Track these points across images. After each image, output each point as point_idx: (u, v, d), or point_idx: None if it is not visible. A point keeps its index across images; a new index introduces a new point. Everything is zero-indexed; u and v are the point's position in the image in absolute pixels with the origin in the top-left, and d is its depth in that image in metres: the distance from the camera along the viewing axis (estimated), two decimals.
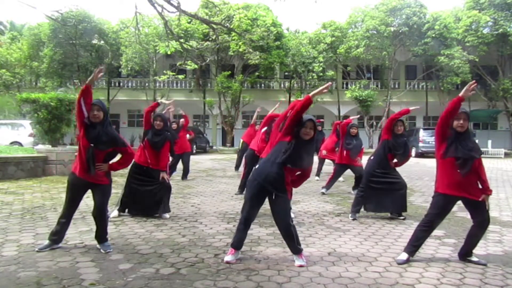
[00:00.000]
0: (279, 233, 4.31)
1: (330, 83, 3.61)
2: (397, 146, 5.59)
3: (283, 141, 3.63)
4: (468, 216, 5.87)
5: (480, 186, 3.71)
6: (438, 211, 3.78)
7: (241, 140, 10.69)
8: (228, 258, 3.69)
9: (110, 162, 4.02)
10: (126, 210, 5.61)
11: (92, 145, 3.80)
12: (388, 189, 5.59)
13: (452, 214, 5.78)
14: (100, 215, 4.01)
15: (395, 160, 5.72)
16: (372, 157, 5.83)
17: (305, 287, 3.16)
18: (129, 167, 5.62)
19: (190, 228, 4.96)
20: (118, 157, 4.12)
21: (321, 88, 3.74)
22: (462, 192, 3.66)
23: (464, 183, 3.64)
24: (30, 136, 15.08)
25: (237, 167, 11.72)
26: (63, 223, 4.01)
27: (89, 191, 4.04)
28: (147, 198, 5.48)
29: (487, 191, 3.69)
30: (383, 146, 5.65)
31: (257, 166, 3.82)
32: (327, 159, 9.84)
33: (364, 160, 6.96)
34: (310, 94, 3.62)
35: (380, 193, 5.60)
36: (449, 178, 3.68)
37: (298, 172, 3.75)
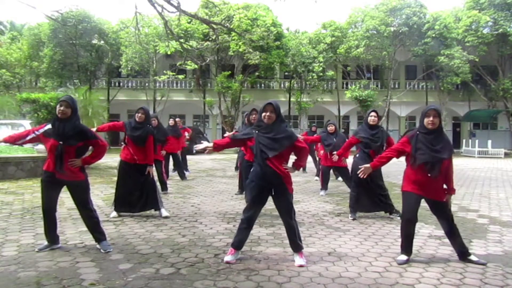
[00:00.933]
0: (279, 233, 4.31)
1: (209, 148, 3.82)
2: (373, 139, 5.48)
3: (252, 145, 3.76)
4: (468, 216, 5.91)
5: (445, 186, 3.79)
6: (407, 205, 3.84)
7: None
8: (228, 258, 3.69)
9: (83, 156, 3.98)
10: (122, 209, 5.61)
11: (61, 142, 3.78)
12: (375, 188, 5.58)
13: None
14: (85, 212, 4.00)
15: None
16: (357, 155, 5.71)
17: (305, 287, 3.16)
18: (118, 166, 5.64)
19: (190, 228, 4.96)
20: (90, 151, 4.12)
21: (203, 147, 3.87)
22: (427, 193, 3.75)
23: (430, 185, 3.70)
24: None
25: (237, 167, 11.78)
26: (49, 223, 3.97)
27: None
28: (136, 196, 5.49)
29: (451, 191, 3.79)
30: (359, 148, 5.61)
31: (252, 169, 3.85)
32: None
33: (350, 160, 6.95)
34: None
35: (370, 192, 5.58)
36: (416, 179, 3.74)
37: (292, 153, 3.79)
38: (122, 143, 5.65)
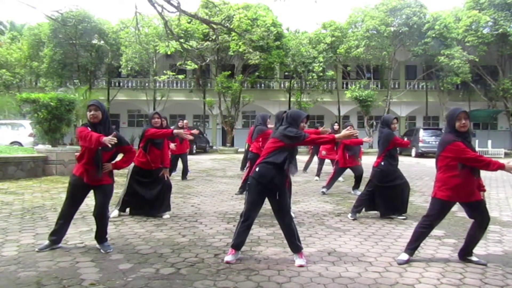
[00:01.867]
0: (279, 233, 4.29)
1: (357, 132, 3.76)
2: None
3: (284, 146, 3.67)
4: None
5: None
6: (438, 212, 3.77)
7: (247, 144, 10.71)
8: (228, 258, 3.69)
9: (113, 161, 4.02)
10: (127, 210, 5.62)
11: (99, 148, 3.78)
12: (394, 193, 5.57)
13: (452, 214, 5.78)
14: (101, 215, 4.00)
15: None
16: (383, 163, 5.62)
17: (305, 287, 3.16)
18: (130, 168, 5.65)
19: (190, 228, 4.96)
20: (120, 156, 4.14)
21: (348, 133, 3.79)
22: (466, 197, 3.65)
23: (470, 187, 3.63)
24: (30, 136, 15.08)
25: (242, 168, 11.78)
26: (62, 224, 4.00)
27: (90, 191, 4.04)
28: (150, 200, 5.51)
29: (482, 187, 3.73)
30: (384, 156, 5.63)
31: (256, 170, 3.74)
32: (327, 159, 9.88)
33: (365, 161, 6.96)
34: (337, 137, 3.75)
35: (385, 197, 5.59)
36: (458, 184, 3.61)
37: None
38: (142, 149, 5.55)
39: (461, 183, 3.60)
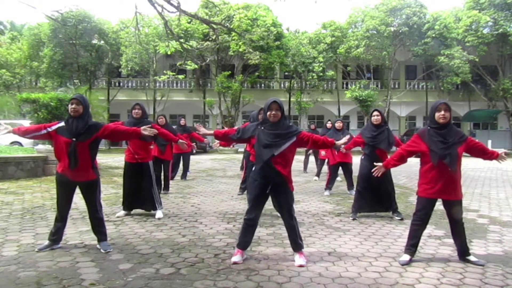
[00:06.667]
0: (279, 233, 4.29)
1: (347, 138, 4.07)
2: (375, 139, 5.47)
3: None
4: (468, 216, 5.90)
5: (490, 156, 3.79)
6: (423, 210, 3.81)
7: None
8: (235, 258, 3.66)
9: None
10: (127, 208, 5.64)
11: (74, 139, 3.80)
12: (382, 189, 5.55)
13: None
14: (92, 210, 4.03)
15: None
16: (363, 157, 5.71)
17: (305, 287, 3.16)
18: (124, 168, 5.70)
19: (190, 228, 4.96)
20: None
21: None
22: (445, 194, 3.71)
23: (449, 182, 3.66)
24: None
25: (242, 167, 11.80)
26: (60, 223, 4.01)
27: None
28: (140, 194, 5.53)
29: (496, 153, 3.76)
30: (366, 150, 5.61)
31: (253, 168, 3.83)
32: (327, 158, 9.87)
33: (356, 159, 6.93)
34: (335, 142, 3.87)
35: (373, 193, 5.56)
36: (434, 179, 3.67)
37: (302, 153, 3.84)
38: (126, 145, 5.67)
39: (436, 178, 3.66)
